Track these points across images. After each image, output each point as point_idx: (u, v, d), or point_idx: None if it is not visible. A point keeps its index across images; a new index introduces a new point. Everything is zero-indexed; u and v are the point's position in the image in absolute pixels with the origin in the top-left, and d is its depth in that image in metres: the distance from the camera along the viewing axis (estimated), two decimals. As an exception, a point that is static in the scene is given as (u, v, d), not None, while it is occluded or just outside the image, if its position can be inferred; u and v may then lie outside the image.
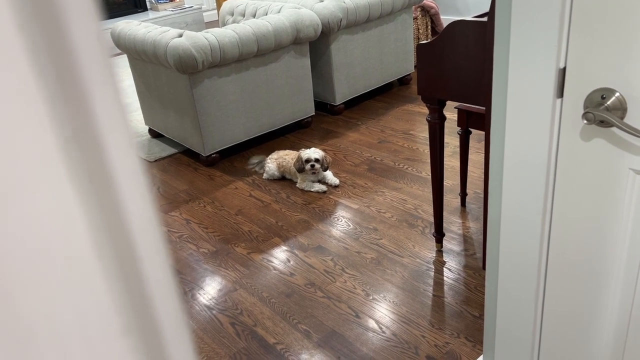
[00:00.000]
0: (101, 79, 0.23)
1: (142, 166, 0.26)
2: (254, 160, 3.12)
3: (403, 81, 4.26)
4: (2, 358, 0.23)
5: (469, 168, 2.64)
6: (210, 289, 2.15)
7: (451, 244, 2.26)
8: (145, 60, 3.16)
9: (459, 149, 2.45)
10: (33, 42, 0.21)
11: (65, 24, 0.22)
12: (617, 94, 0.96)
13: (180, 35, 2.88)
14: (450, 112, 3.35)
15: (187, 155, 3.37)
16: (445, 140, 3.03)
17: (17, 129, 0.22)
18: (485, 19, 1.69)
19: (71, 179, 0.23)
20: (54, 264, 0.24)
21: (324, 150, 3.03)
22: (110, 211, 0.25)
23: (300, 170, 2.83)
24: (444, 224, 2.31)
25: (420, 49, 1.82)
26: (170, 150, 3.44)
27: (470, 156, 2.59)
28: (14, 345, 0.23)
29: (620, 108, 0.96)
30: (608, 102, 0.96)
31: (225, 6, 4.01)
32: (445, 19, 5.16)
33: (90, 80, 0.22)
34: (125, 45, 3.24)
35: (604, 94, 0.97)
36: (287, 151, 3.07)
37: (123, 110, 0.24)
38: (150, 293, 0.26)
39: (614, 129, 0.99)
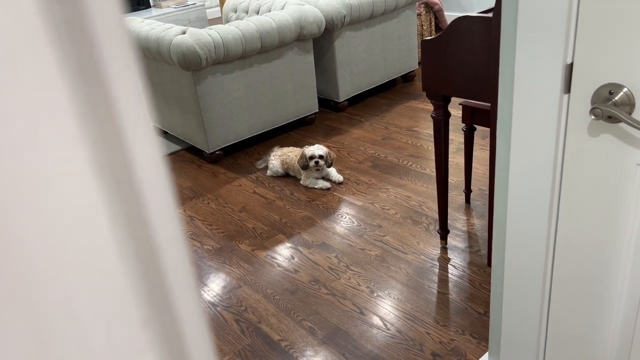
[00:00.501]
0: (123, 66, 0.23)
1: (161, 154, 0.26)
2: (261, 162, 3.13)
3: (407, 78, 4.25)
4: (21, 346, 0.23)
5: (474, 165, 2.64)
6: (214, 286, 2.16)
7: (456, 240, 2.26)
8: (149, 57, 3.16)
9: (463, 145, 2.44)
10: (56, 27, 0.21)
11: (88, 10, 0.22)
12: (625, 90, 0.95)
13: (184, 32, 2.88)
14: (455, 109, 3.35)
15: (191, 152, 3.37)
16: (450, 137, 3.02)
17: (41, 116, 0.22)
18: (490, 14, 1.68)
19: (93, 167, 0.24)
20: (74, 251, 0.24)
21: (327, 147, 3.03)
22: (131, 200, 0.25)
23: (304, 167, 2.83)
24: (449, 221, 2.31)
25: (425, 45, 1.82)
26: (174, 148, 3.44)
27: (474, 153, 2.59)
28: (33, 333, 0.23)
29: (629, 103, 0.96)
30: (616, 98, 0.96)
31: (228, 3, 4.01)
32: (449, 16, 5.15)
33: (113, 66, 0.22)
34: (128, 42, 3.24)
35: (611, 89, 0.96)
36: (290, 148, 3.07)
37: (143, 98, 0.24)
38: (170, 284, 0.27)
39: (622, 124, 0.99)
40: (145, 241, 0.25)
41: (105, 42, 0.22)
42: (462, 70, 1.75)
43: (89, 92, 0.23)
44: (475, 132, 2.37)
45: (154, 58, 3.10)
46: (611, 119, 0.98)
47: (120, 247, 0.25)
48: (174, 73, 3.06)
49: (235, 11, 3.94)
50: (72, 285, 0.23)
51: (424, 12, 4.25)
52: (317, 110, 3.63)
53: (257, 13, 3.67)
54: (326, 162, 2.84)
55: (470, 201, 2.53)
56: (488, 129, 3.18)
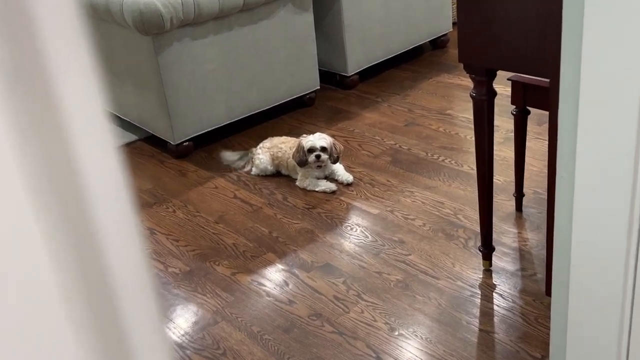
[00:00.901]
0: (67, 46, 0.23)
1: (114, 146, 0.26)
2: (232, 156, 3.10)
3: (437, 44, 4.25)
4: None
5: (527, 160, 2.63)
6: (182, 322, 2.15)
7: (503, 261, 2.26)
8: (95, 18, 3.16)
9: (513, 134, 2.43)
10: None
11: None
12: None
13: (141, -16, 2.89)
14: (502, 85, 3.33)
15: (151, 143, 3.37)
16: (495, 122, 3.01)
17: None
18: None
19: (21, 163, 0.23)
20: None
21: (332, 136, 3.03)
22: (71, 207, 0.25)
23: (302, 163, 2.83)
24: (494, 235, 2.31)
25: (462, 1, 1.81)
26: (128, 137, 3.44)
27: (528, 144, 2.57)
28: None
29: None
30: None
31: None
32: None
33: (53, 47, 0.22)
34: (67, -2, 3.24)
35: None
36: (283, 138, 3.06)
37: (92, 72, 0.24)
38: (127, 324, 0.26)
39: None
40: (93, 269, 0.25)
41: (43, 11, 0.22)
42: (512, 34, 1.75)
43: (18, 62, 0.22)
44: (529, 117, 2.35)
45: (102, 18, 3.10)
46: None
47: (57, 273, 0.25)
48: (128, 39, 3.06)
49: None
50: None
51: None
52: (318, 88, 3.63)
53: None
54: (330, 156, 2.83)
55: (523, 209, 2.52)
56: (546, 113, 3.17)
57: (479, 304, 2.08)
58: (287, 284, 2.27)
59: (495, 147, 2.16)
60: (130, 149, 3.35)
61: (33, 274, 0.26)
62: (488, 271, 2.22)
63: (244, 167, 3.06)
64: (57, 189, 0.27)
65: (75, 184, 0.27)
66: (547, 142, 1.88)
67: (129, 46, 3.08)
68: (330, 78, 3.85)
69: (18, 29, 0.24)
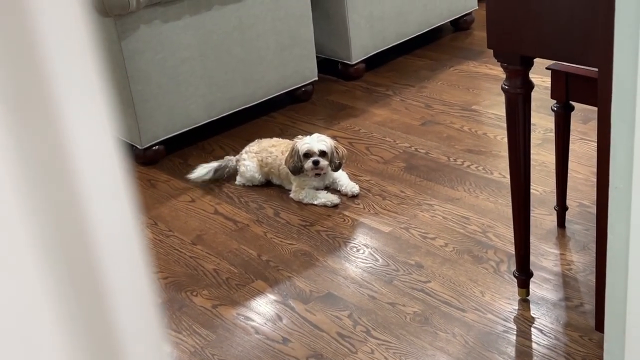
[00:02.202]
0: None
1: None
2: (203, 170, 3.00)
3: (460, 25, 4.26)
4: None
5: (571, 166, 2.63)
6: (152, 365, 2.15)
7: (543, 289, 2.25)
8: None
9: (553, 134, 2.43)
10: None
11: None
12: None
13: (101, -45, 2.89)
14: (540, 76, 3.34)
15: (113, 147, 3.37)
16: (533, 120, 3.02)
17: None
18: None
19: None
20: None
21: (333, 137, 3.03)
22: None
23: (297, 170, 2.83)
24: (532, 257, 2.30)
25: (491, -27, 1.82)
26: (85, 141, 3.44)
27: (571, 146, 2.58)
28: None
29: None
30: None
31: None
32: None
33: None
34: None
35: None
36: (274, 140, 3.06)
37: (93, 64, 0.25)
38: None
39: None
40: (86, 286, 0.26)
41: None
42: (552, 15, 1.75)
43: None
44: (572, 114, 2.34)
45: (53, -3, 3.10)
46: None
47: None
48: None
49: None
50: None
51: None
52: (317, 79, 3.64)
53: None
54: (331, 162, 2.83)
55: (566, 225, 2.52)
56: (594, 109, 3.18)
57: (514, 342, 2.08)
58: (280, 319, 2.26)
59: (532, 150, 2.16)
60: (88, 154, 3.34)
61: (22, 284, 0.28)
62: (525, 301, 2.21)
63: (225, 173, 3.03)
64: (49, 191, 0.28)
65: (69, 186, 0.28)
66: (595, 144, 1.87)
67: (87, 30, 3.08)
68: (331, 67, 3.85)
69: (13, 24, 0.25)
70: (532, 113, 2.08)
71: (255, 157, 2.97)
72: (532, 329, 2.12)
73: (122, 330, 0.33)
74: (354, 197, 2.84)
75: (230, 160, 3.05)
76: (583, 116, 3.10)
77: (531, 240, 2.22)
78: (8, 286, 0.28)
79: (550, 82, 2.24)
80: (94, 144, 0.28)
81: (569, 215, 2.55)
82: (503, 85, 1.97)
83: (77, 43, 0.27)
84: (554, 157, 2.44)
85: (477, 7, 4.21)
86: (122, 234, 0.30)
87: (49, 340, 0.30)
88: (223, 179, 3.03)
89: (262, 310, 2.31)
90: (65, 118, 0.27)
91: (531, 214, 2.28)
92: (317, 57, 3.60)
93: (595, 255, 2.08)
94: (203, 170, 2.99)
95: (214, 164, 3.02)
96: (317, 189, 2.86)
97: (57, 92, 0.26)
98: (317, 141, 2.83)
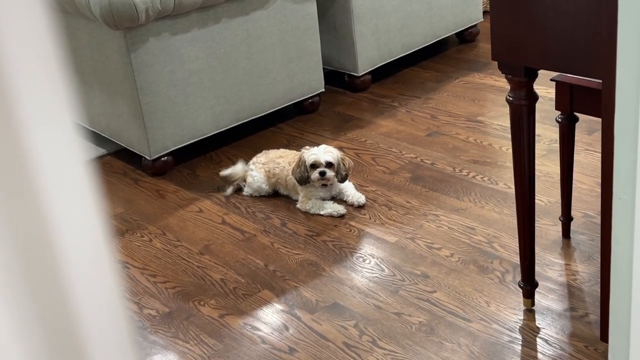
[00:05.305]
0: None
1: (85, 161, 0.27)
2: (237, 166, 3.07)
3: (465, 37, 4.26)
4: None
5: (575, 176, 2.63)
6: (160, 375, 2.14)
7: (548, 299, 2.25)
8: (57, 10, 3.18)
9: (558, 145, 2.43)
10: None
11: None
12: None
13: (111, -31, 2.90)
14: (545, 87, 3.34)
15: (123, 158, 3.38)
16: (537, 131, 3.02)
17: None
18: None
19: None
20: None
21: (340, 148, 3.03)
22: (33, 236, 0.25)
23: (303, 181, 2.83)
24: (537, 268, 2.30)
25: (495, -15, 1.82)
26: (96, 151, 3.45)
27: (576, 157, 2.57)
28: None
29: None
30: None
31: None
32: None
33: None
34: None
35: None
36: (281, 151, 3.06)
37: (59, 76, 0.24)
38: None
39: None
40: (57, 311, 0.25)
41: None
42: (556, 27, 1.75)
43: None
44: (577, 125, 2.34)
45: (64, 10, 3.12)
46: None
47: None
48: (96, 34, 3.07)
49: None
50: None
51: None
52: (323, 90, 3.64)
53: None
54: (338, 173, 2.83)
55: (571, 235, 2.52)
56: (598, 120, 3.17)
57: (520, 352, 2.07)
58: (287, 328, 2.26)
59: (537, 161, 2.16)
60: (97, 165, 3.35)
61: None
62: (530, 311, 2.20)
63: (231, 184, 3.03)
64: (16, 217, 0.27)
65: (37, 207, 0.28)
66: (599, 155, 1.87)
67: (97, 43, 3.09)
68: (338, 79, 3.86)
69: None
70: (537, 124, 2.08)
71: (263, 167, 2.98)
72: (538, 339, 2.11)
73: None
74: (360, 207, 2.84)
75: (241, 167, 3.06)
76: (587, 127, 3.09)
77: (536, 251, 2.22)
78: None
79: (554, 94, 2.24)
80: (55, 148, 0.27)
81: (573, 225, 2.54)
82: (508, 97, 1.97)
83: (41, 48, 0.26)
84: (558, 167, 2.44)
85: (482, 20, 4.22)
86: (90, 250, 0.30)
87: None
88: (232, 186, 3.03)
89: (268, 319, 2.31)
90: (25, 119, 0.27)
91: (536, 225, 2.28)
92: (323, 69, 3.61)
93: (600, 265, 2.08)
94: (239, 166, 3.04)
95: (234, 171, 3.05)
96: (324, 200, 2.87)
97: (15, 91, 0.26)
98: (323, 152, 2.83)
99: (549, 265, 2.39)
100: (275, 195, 3.00)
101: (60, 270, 0.29)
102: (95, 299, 0.31)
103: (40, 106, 0.29)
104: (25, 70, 0.28)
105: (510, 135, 2.06)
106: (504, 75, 1.95)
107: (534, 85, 1.95)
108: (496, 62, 1.94)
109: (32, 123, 0.29)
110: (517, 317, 2.19)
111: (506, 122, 3.24)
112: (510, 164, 2.33)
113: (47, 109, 0.30)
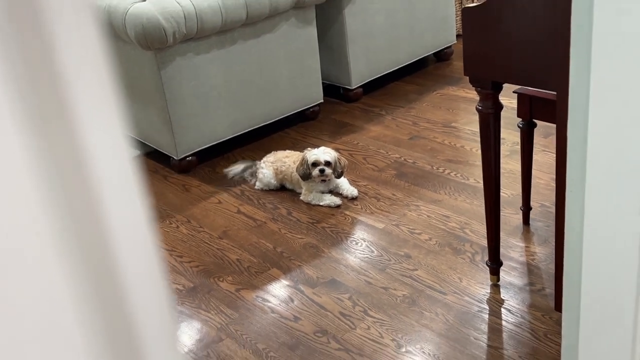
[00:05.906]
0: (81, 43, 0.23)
1: (132, 162, 0.27)
2: (237, 167, 3.11)
3: (442, 56, 4.26)
4: None
5: (534, 173, 2.63)
6: (186, 339, 2.15)
7: (511, 276, 2.25)
8: (107, 35, 3.18)
9: (519, 147, 2.43)
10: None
11: None
12: None
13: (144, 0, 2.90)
14: (508, 98, 3.34)
15: (153, 158, 3.38)
16: (502, 135, 3.02)
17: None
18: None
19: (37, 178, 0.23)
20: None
21: (336, 149, 3.03)
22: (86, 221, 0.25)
23: (306, 177, 2.83)
24: (502, 249, 2.30)
25: (467, 13, 1.82)
26: (132, 152, 3.44)
27: (535, 157, 2.58)
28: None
29: None
30: None
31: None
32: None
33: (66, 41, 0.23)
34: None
35: None
36: (287, 152, 3.06)
37: (111, 90, 0.24)
38: (142, 341, 0.26)
39: None
40: (110, 284, 0.26)
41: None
42: (518, 47, 1.75)
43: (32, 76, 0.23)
44: (535, 129, 2.35)
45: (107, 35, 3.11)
46: None
47: (76, 297, 0.25)
48: (131, 53, 3.07)
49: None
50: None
51: (463, -32, 4.28)
52: (322, 101, 3.64)
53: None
54: (335, 170, 2.84)
55: (530, 222, 2.52)
56: (552, 125, 3.17)
57: (487, 320, 2.07)
58: (292, 300, 2.26)
59: (501, 160, 2.16)
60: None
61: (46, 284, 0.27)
62: (496, 286, 2.21)
63: (251, 179, 3.05)
64: (70, 198, 0.28)
65: (94, 196, 0.28)
66: (554, 155, 1.87)
67: (132, 61, 3.09)
68: (334, 91, 3.86)
69: (32, 40, 0.25)
70: (502, 129, 2.08)
71: (272, 166, 2.98)
72: (502, 309, 2.12)
73: (140, 328, 0.33)
74: (354, 199, 2.84)
75: (256, 162, 3.09)
76: (544, 132, 3.10)
77: (501, 235, 2.22)
78: (32, 284, 0.28)
79: (516, 104, 2.25)
80: (108, 147, 0.28)
81: (532, 214, 2.55)
82: (477, 106, 1.98)
83: (91, 57, 0.27)
84: (520, 165, 2.44)
85: (456, 42, 4.21)
86: (136, 232, 0.31)
87: (71, 338, 0.30)
88: (250, 176, 3.06)
89: (277, 293, 2.32)
90: (82, 124, 0.28)
91: (501, 213, 2.28)
92: (322, 82, 3.61)
93: (554, 247, 2.08)
94: (239, 167, 3.10)
95: (246, 163, 3.12)
96: (323, 193, 2.87)
97: (73, 99, 0.27)
98: (323, 153, 2.84)
99: (512, 247, 2.39)
100: (282, 189, 3.00)
101: (113, 249, 0.30)
102: (140, 271, 0.32)
103: (97, 115, 0.30)
104: (84, 87, 0.29)
105: (479, 139, 2.06)
106: (474, 88, 1.96)
107: (499, 96, 1.96)
108: (467, 77, 1.94)
109: (90, 128, 0.29)
110: (484, 290, 2.20)
111: (476, 128, 3.23)
112: (479, 162, 2.33)
113: (102, 117, 0.31)
